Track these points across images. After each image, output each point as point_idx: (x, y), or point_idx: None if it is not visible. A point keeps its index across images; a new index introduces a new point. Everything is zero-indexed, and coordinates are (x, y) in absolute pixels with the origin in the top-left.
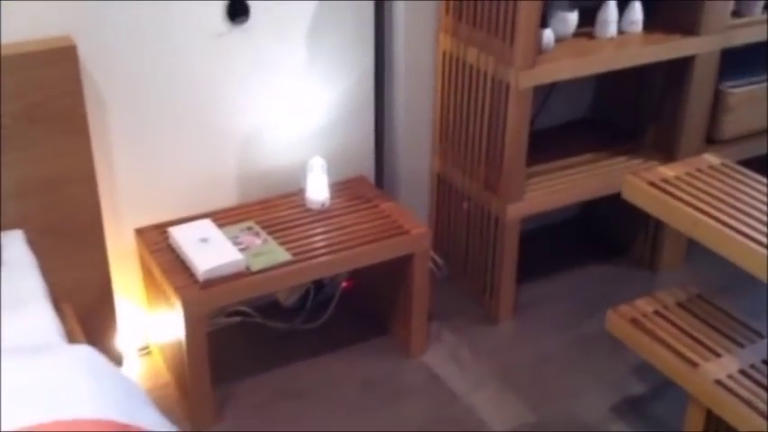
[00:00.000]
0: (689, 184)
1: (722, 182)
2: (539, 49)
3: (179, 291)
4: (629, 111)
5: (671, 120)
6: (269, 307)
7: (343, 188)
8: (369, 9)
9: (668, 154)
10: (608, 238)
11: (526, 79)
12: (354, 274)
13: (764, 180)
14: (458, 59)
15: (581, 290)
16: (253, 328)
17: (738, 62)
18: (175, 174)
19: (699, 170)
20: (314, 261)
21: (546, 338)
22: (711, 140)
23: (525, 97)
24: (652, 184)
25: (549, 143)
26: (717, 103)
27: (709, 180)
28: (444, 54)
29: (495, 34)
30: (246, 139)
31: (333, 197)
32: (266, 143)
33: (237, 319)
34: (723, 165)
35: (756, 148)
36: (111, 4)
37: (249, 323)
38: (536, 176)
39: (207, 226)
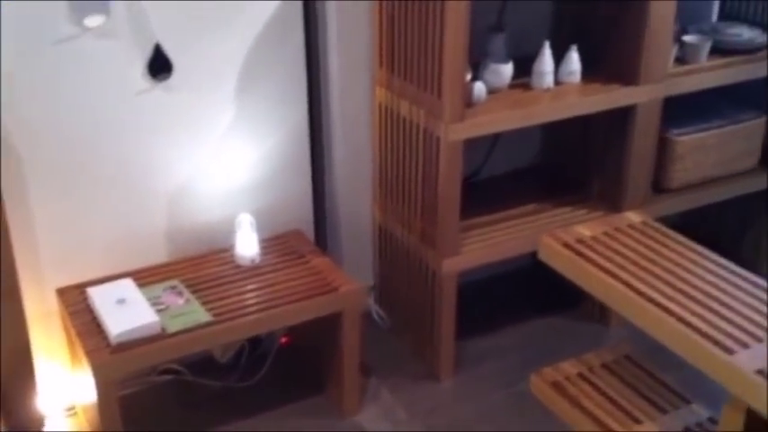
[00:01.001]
0: (605, 245)
1: (641, 242)
2: (469, 102)
3: (90, 354)
4: (576, 159)
5: (615, 169)
6: (204, 363)
7: (277, 243)
8: (300, 61)
9: (614, 204)
10: (560, 289)
11: (455, 132)
12: (292, 330)
13: (685, 241)
14: (392, 112)
15: (528, 344)
16: (185, 387)
17: (687, 109)
18: (101, 232)
19: (617, 229)
20: (236, 321)
21: (485, 397)
22: (661, 189)
23: (455, 150)
24: (567, 245)
25: (495, 193)
26: (664, 152)
27: (627, 241)
28: (380, 106)
29: (424, 88)
30: (175, 196)
31: (265, 253)
32: (196, 199)
33: (169, 377)
34: (644, 224)
35: (707, 197)
36: (28, 62)
37: (181, 381)
38: (477, 228)
39: (127, 286)
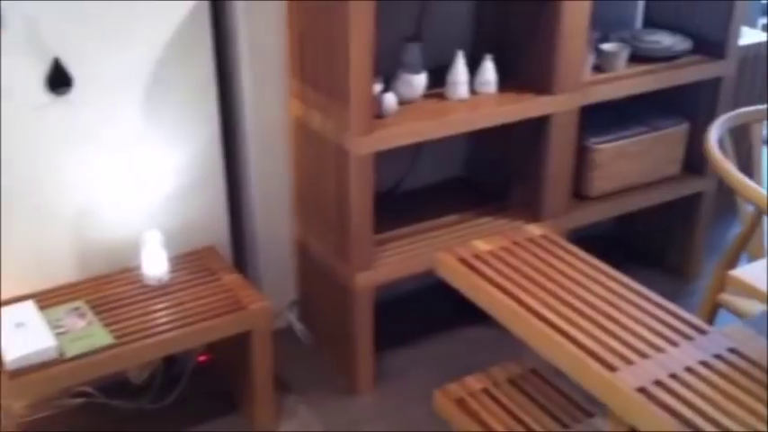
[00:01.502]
0: (501, 259)
1: (538, 257)
2: (379, 114)
3: None
4: (498, 169)
5: (534, 179)
6: (118, 385)
7: (189, 261)
8: (210, 74)
9: (533, 214)
10: None
11: (363, 146)
12: (211, 348)
13: (582, 255)
14: (306, 124)
15: (450, 357)
16: (98, 410)
17: (607, 117)
18: (2, 252)
19: (516, 244)
20: (138, 344)
21: (405, 411)
22: (582, 198)
23: (365, 164)
24: (462, 260)
25: (416, 204)
26: (584, 160)
27: (525, 255)
28: (295, 118)
29: (333, 99)
30: (81, 213)
31: (175, 270)
32: (104, 216)
33: (81, 400)
34: (543, 237)
35: (629, 205)
36: None
37: (94, 404)
38: (395, 241)
39: (27, 309)
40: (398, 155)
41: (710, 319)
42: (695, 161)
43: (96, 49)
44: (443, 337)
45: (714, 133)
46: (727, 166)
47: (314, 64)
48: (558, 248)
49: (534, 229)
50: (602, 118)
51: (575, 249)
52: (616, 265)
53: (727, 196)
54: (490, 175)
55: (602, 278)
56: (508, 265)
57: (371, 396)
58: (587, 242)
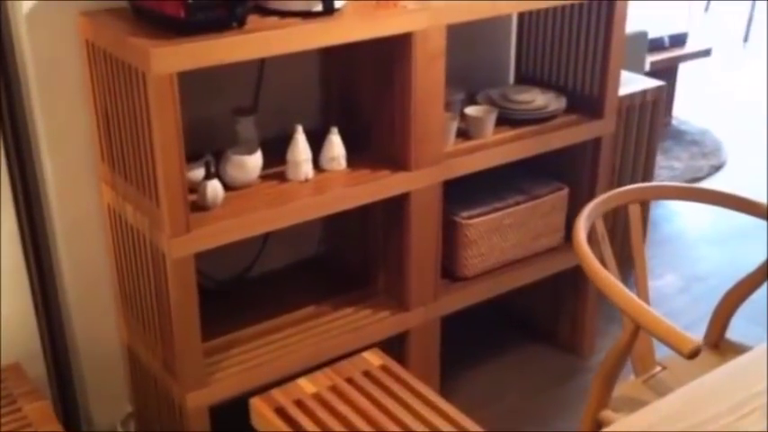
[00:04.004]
0: (326, 405)
1: (370, 397)
2: (204, 206)
3: None
4: (358, 250)
5: (397, 261)
6: None
7: None
8: None
9: (400, 302)
10: None
11: (180, 248)
12: None
13: (420, 389)
14: (120, 216)
15: None
16: None
17: (478, 187)
18: None
19: (349, 380)
20: None
21: None
22: (456, 278)
23: (184, 268)
24: (280, 410)
25: (268, 293)
26: (455, 238)
27: (353, 397)
28: (109, 208)
29: (142, 193)
30: None
31: None
32: None
33: None
34: (382, 369)
35: (510, 282)
36: None
37: None
38: (239, 346)
39: None
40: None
41: None
42: None
43: None
44: None
45: (583, 224)
46: (597, 268)
47: (121, 151)
48: (395, 383)
49: (373, 359)
50: (473, 187)
51: (415, 383)
52: (502, 341)
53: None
54: (350, 254)
55: (437, 421)
56: (332, 412)
57: None
58: (471, 319)
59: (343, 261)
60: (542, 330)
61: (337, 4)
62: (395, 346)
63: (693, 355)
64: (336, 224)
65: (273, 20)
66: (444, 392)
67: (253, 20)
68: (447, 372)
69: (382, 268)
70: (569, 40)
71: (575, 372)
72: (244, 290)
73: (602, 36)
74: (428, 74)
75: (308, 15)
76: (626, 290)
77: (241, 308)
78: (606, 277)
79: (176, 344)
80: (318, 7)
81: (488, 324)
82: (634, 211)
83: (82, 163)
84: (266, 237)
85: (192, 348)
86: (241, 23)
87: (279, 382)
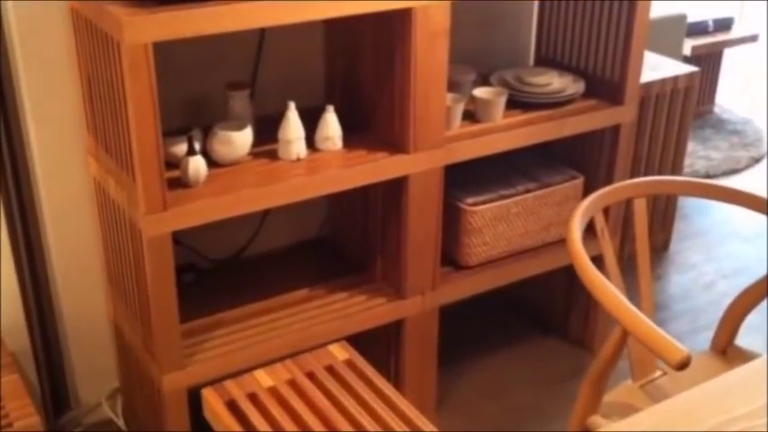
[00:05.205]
0: (280, 400)
1: (328, 394)
2: (186, 182)
3: None
4: (360, 232)
5: (395, 247)
6: None
7: None
8: None
9: (397, 289)
10: None
11: (157, 225)
12: None
13: (380, 385)
14: (104, 190)
15: None
16: None
17: (486, 172)
18: None
19: (310, 374)
20: None
21: None
22: (459, 267)
23: (161, 247)
24: (231, 404)
25: (262, 274)
26: (458, 225)
27: (310, 394)
28: (95, 181)
29: (121, 166)
30: None
31: None
32: None
33: None
34: (347, 363)
35: (515, 273)
36: None
37: None
38: (223, 327)
39: None
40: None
41: None
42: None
43: None
44: None
45: (578, 220)
46: (587, 267)
47: (102, 123)
48: (357, 379)
49: (339, 353)
50: (482, 172)
51: (377, 381)
52: (512, 332)
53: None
54: (351, 238)
55: (391, 421)
56: (286, 408)
57: None
58: (480, 308)
59: (345, 244)
60: (553, 323)
61: None
62: (392, 334)
63: (682, 366)
64: (340, 205)
65: None
66: (446, 383)
67: None
68: (452, 362)
69: (381, 254)
70: (591, 21)
71: (584, 367)
72: (239, 270)
73: (625, 17)
74: (430, 52)
75: None
76: (617, 293)
77: (232, 288)
78: (595, 278)
79: (153, 324)
80: None
81: (498, 314)
82: (639, 205)
83: (69, 134)
84: (264, 215)
85: (169, 329)
86: None
87: (260, 367)
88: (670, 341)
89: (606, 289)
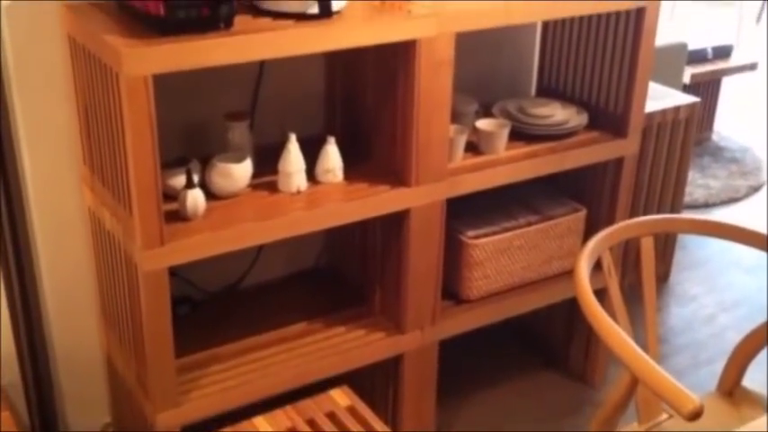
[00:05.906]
0: None
1: None
2: (184, 217)
3: None
4: (357, 265)
5: (395, 280)
6: None
7: None
8: None
9: (397, 323)
10: None
11: (153, 260)
12: None
13: None
14: (99, 221)
15: None
16: None
17: (487, 204)
18: None
19: (311, 422)
20: None
21: None
22: (460, 301)
23: (158, 282)
24: None
25: (259, 307)
26: (459, 258)
27: None
28: (89, 211)
29: (118, 199)
30: None
31: None
32: None
33: None
34: (349, 410)
35: (517, 307)
36: None
37: None
38: (219, 362)
39: None
40: None
41: None
42: None
43: None
44: None
45: (586, 260)
46: (597, 311)
47: (99, 153)
48: (359, 427)
49: (341, 399)
50: (483, 204)
51: (380, 429)
52: (512, 365)
53: (636, 290)
54: (349, 269)
55: None
56: None
57: None
58: (480, 340)
59: (343, 276)
60: (554, 356)
61: (336, 6)
62: (391, 367)
63: (694, 417)
64: (338, 235)
65: (266, 21)
66: (446, 416)
67: (244, 20)
68: (451, 394)
69: (380, 287)
70: (595, 53)
71: (583, 402)
72: (235, 301)
73: (630, 49)
74: (433, 83)
75: (302, 18)
76: (627, 339)
77: (228, 321)
78: (606, 324)
79: (148, 361)
80: (314, 9)
81: (499, 346)
82: (646, 244)
83: (63, 163)
84: (261, 246)
85: (164, 366)
86: (228, 24)
87: (257, 405)
88: (681, 390)
89: (617, 335)
